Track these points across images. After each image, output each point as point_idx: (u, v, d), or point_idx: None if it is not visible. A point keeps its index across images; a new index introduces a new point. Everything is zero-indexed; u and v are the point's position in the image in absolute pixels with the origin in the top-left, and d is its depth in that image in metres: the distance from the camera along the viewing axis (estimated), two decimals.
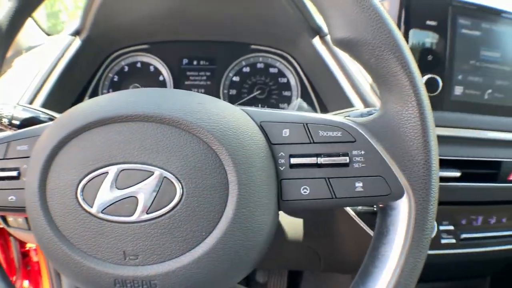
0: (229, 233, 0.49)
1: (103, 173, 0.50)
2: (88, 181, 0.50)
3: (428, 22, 0.99)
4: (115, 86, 1.27)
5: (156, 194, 0.49)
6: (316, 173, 0.53)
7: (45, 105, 1.03)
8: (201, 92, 1.19)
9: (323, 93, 1.21)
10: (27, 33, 1.32)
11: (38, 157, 0.52)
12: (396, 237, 0.53)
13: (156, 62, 1.27)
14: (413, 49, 0.98)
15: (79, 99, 1.23)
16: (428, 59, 0.99)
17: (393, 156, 0.52)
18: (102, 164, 0.50)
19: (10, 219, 1.04)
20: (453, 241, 1.04)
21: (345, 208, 0.90)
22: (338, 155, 0.53)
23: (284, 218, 0.93)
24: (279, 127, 0.54)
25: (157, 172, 0.49)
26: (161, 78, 1.27)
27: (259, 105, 1.25)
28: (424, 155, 0.50)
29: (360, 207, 0.90)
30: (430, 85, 0.97)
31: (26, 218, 0.91)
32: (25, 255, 1.55)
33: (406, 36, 0.98)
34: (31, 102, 1.03)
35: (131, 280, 0.50)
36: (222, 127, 0.50)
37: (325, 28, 1.14)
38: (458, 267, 1.21)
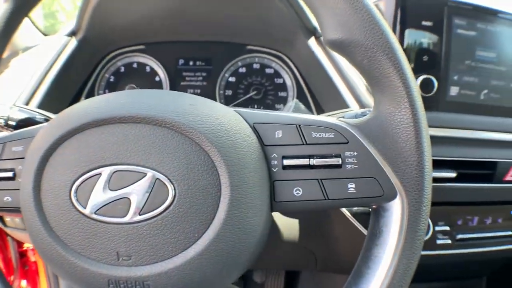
0: (221, 234, 0.49)
1: (97, 174, 0.50)
2: (82, 182, 0.50)
3: (424, 22, 0.99)
4: (111, 87, 1.27)
5: (149, 196, 0.49)
6: (308, 174, 0.53)
7: (42, 105, 1.03)
8: (197, 93, 1.20)
9: (319, 93, 1.21)
10: (24, 33, 1.32)
11: (33, 158, 0.52)
12: (389, 238, 0.53)
13: (152, 63, 1.27)
14: (408, 49, 0.98)
15: (76, 100, 1.23)
16: (423, 60, 0.99)
17: (386, 158, 0.52)
18: (95, 166, 0.50)
19: (7, 219, 1.04)
20: (449, 241, 1.04)
21: (340, 208, 0.90)
22: (330, 156, 0.53)
23: (280, 219, 0.93)
24: (272, 129, 0.54)
25: (150, 173, 0.49)
26: (157, 78, 1.27)
27: (255, 106, 1.25)
28: (417, 156, 0.50)
29: (355, 208, 0.90)
30: (426, 86, 0.97)
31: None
32: (22, 255, 1.55)
33: (401, 36, 0.98)
34: (27, 103, 1.02)
35: (124, 280, 0.50)
36: (214, 129, 0.50)
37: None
38: (454, 267, 1.21)
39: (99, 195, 0.50)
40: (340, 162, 0.52)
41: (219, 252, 0.49)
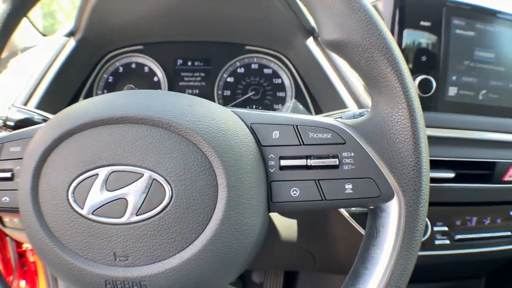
0: (218, 235, 0.49)
1: (94, 175, 0.50)
2: (79, 183, 0.50)
3: (422, 23, 0.99)
4: (109, 87, 1.27)
5: (146, 196, 0.49)
6: (306, 175, 0.53)
7: (40, 106, 1.03)
8: (196, 93, 1.20)
9: (317, 93, 1.21)
10: (23, 33, 1.32)
11: (30, 158, 0.52)
12: (386, 239, 0.53)
13: (150, 63, 1.27)
14: (407, 50, 0.98)
15: (74, 100, 1.23)
16: (422, 60, 0.99)
17: (383, 158, 0.52)
18: (92, 166, 0.50)
19: (6, 219, 1.04)
20: (447, 242, 1.04)
21: (338, 209, 0.90)
22: (328, 157, 0.53)
23: (279, 219, 0.93)
24: (269, 129, 0.54)
25: (147, 174, 0.49)
26: (155, 79, 1.27)
27: (254, 106, 1.25)
28: (414, 157, 0.50)
29: (354, 208, 0.90)
30: (424, 86, 0.97)
31: None
32: (21, 255, 1.55)
33: (400, 36, 0.98)
34: (26, 103, 1.02)
35: (121, 281, 0.50)
36: (211, 129, 0.50)
37: None
38: (452, 267, 1.21)
39: (96, 195, 0.50)
40: (337, 162, 0.52)
41: (216, 253, 0.49)
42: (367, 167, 0.52)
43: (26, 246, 1.52)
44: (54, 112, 0.68)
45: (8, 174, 0.57)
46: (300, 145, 0.53)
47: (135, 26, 1.21)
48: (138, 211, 0.49)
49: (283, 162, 0.53)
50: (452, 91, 1.01)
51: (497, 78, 1.05)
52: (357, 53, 0.50)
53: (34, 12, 1.51)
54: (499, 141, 1.06)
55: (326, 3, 0.50)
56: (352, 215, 0.91)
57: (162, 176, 0.49)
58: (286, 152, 0.53)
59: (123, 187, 0.49)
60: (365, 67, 0.51)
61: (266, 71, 1.27)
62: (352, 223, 0.90)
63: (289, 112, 1.19)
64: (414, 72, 0.98)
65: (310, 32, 1.16)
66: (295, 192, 0.53)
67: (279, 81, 1.26)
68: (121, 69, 1.28)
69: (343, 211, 0.90)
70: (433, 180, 1.00)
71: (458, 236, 1.06)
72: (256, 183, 0.51)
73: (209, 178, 0.49)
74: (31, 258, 1.53)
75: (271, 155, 0.54)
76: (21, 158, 0.56)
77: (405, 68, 0.50)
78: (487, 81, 1.05)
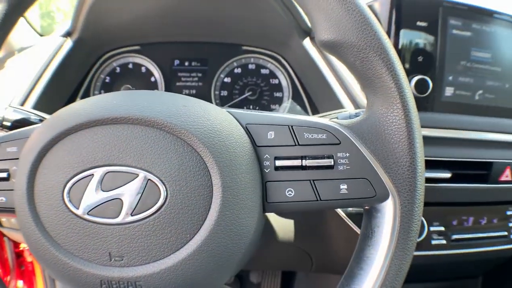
0: (213, 235, 0.49)
1: (89, 175, 0.50)
2: (75, 183, 0.50)
3: (419, 23, 0.99)
4: (106, 87, 1.27)
5: (141, 196, 0.49)
6: (301, 175, 0.53)
7: (37, 106, 1.03)
8: (193, 93, 1.20)
9: (314, 94, 1.21)
10: (20, 34, 1.32)
11: (26, 159, 0.52)
12: (381, 239, 0.53)
13: (147, 63, 1.27)
14: (403, 50, 0.98)
15: (71, 100, 1.23)
16: (418, 60, 0.99)
17: (378, 158, 0.52)
18: (87, 166, 0.50)
19: (3, 219, 1.04)
20: (444, 242, 1.05)
21: (335, 209, 0.90)
22: (323, 157, 0.53)
23: (276, 220, 0.93)
24: (264, 129, 0.54)
25: (142, 174, 0.49)
26: (152, 79, 1.27)
27: (251, 106, 1.25)
28: (409, 157, 0.50)
29: (350, 208, 0.90)
30: (421, 86, 0.97)
31: None
32: (19, 255, 1.55)
33: (396, 36, 0.98)
34: (23, 104, 1.02)
35: (116, 281, 0.50)
36: (206, 130, 0.50)
37: None
38: (449, 267, 1.21)
39: (92, 195, 0.50)
40: (332, 163, 0.52)
41: (211, 253, 0.49)
42: (362, 167, 0.53)
43: (24, 246, 1.52)
44: (51, 112, 0.68)
45: (4, 174, 0.57)
46: (295, 145, 0.53)
47: (132, 26, 1.21)
48: (133, 211, 0.49)
49: (278, 163, 0.53)
50: (449, 91, 1.02)
51: (493, 78, 1.05)
52: (352, 53, 0.50)
53: (32, 12, 1.51)
54: (496, 141, 1.07)
55: (321, 4, 0.50)
56: (349, 215, 0.91)
57: (157, 176, 0.49)
58: (281, 153, 0.53)
59: (118, 188, 0.49)
60: (360, 67, 0.51)
61: (263, 71, 1.27)
62: (349, 223, 0.90)
63: (286, 113, 1.20)
64: (411, 72, 0.98)
65: (307, 32, 1.16)
66: (290, 192, 0.53)
67: (276, 81, 1.26)
68: (118, 70, 1.28)
69: (339, 211, 0.90)
70: (429, 180, 1.00)
71: (454, 236, 1.06)
72: (251, 183, 0.51)
73: (204, 179, 0.49)
74: (28, 258, 1.53)
75: (266, 155, 0.54)
76: (18, 159, 0.56)
77: (400, 68, 0.50)
78: (484, 81, 1.05)
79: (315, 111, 1.22)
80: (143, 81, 1.27)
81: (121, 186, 0.49)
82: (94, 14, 1.11)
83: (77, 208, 0.50)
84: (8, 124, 0.71)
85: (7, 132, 0.61)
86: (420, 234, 1.02)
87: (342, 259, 0.98)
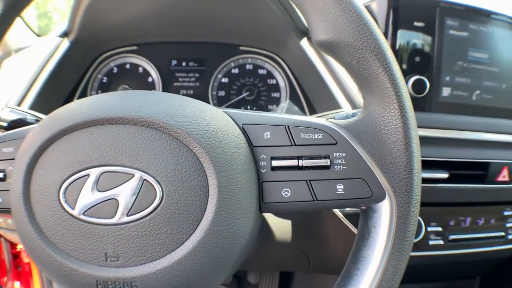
0: (209, 235, 0.49)
1: (85, 175, 0.50)
2: (70, 183, 0.50)
3: (416, 23, 0.99)
4: (104, 88, 1.27)
5: (136, 197, 0.49)
6: (297, 175, 0.53)
7: (34, 106, 1.02)
8: (190, 94, 1.20)
9: (312, 94, 1.21)
10: (17, 34, 1.32)
11: (22, 159, 0.52)
12: (378, 239, 0.53)
13: (145, 64, 1.27)
14: (400, 50, 0.99)
15: (68, 101, 1.22)
16: (415, 60, 0.99)
17: (375, 159, 0.52)
18: (83, 167, 0.50)
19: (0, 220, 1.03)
20: (441, 242, 1.04)
21: (332, 209, 0.90)
22: (319, 157, 0.53)
23: (273, 220, 0.93)
24: (260, 130, 0.54)
25: (137, 174, 0.49)
26: (150, 79, 1.27)
27: (248, 107, 1.25)
28: (406, 157, 0.50)
29: (348, 209, 0.90)
30: (418, 87, 0.97)
31: None
32: (16, 256, 1.54)
33: (394, 37, 0.98)
34: (19, 104, 1.02)
35: (112, 281, 0.50)
36: (202, 130, 0.50)
37: None
38: (446, 268, 1.21)
39: (87, 196, 0.49)
40: (329, 163, 0.52)
41: (207, 253, 0.49)
42: (359, 167, 0.53)
43: (21, 247, 1.52)
44: (48, 112, 0.68)
45: (0, 175, 0.57)
46: (292, 145, 0.53)
47: (129, 27, 1.21)
48: (129, 211, 0.49)
49: (275, 163, 0.53)
50: (446, 91, 1.02)
51: (490, 78, 1.05)
52: (349, 53, 0.50)
53: (29, 13, 1.51)
54: (493, 142, 1.07)
55: (318, 4, 0.50)
56: (346, 215, 0.90)
57: (153, 176, 0.49)
58: (277, 153, 0.53)
59: (114, 188, 0.49)
60: (357, 67, 0.51)
61: (260, 71, 1.27)
62: (346, 224, 0.90)
63: (283, 113, 1.20)
64: (408, 73, 0.99)
65: (304, 32, 1.16)
66: (286, 192, 0.53)
67: (273, 81, 1.26)
68: (115, 70, 1.28)
69: (337, 211, 0.90)
70: (427, 180, 1.00)
71: (452, 237, 1.06)
72: (247, 183, 0.51)
73: (200, 179, 0.49)
74: (25, 259, 1.53)
75: (263, 155, 0.54)
76: (14, 159, 0.56)
77: (396, 68, 0.50)
78: (481, 81, 1.05)
79: (312, 112, 1.22)
80: (141, 82, 1.27)
81: (117, 186, 0.49)
82: (91, 14, 1.11)
83: (73, 209, 0.50)
84: (5, 124, 0.71)
85: (3, 133, 0.61)
86: (418, 235, 1.02)
87: (339, 259, 0.98)
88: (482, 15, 1.04)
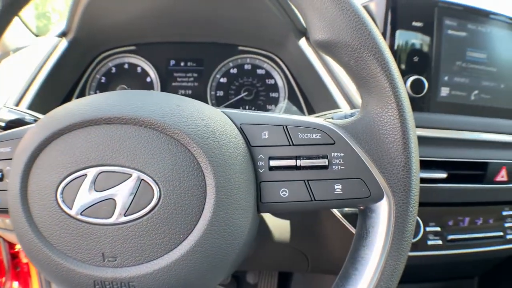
0: (207, 235, 0.49)
1: (82, 175, 0.50)
2: (68, 183, 0.50)
3: (414, 23, 0.99)
4: (102, 87, 1.27)
5: (134, 197, 0.49)
6: (295, 175, 0.53)
7: (32, 106, 1.02)
8: (188, 94, 1.20)
9: (310, 94, 1.21)
10: (15, 34, 1.32)
11: (20, 159, 0.52)
12: (376, 239, 0.53)
13: (143, 64, 1.27)
14: (399, 50, 0.99)
15: (66, 101, 1.22)
16: (414, 60, 0.99)
17: (373, 159, 0.52)
18: (81, 166, 0.50)
19: None
20: (440, 242, 1.05)
21: (330, 209, 0.90)
22: (317, 157, 0.53)
23: (271, 220, 0.93)
24: (258, 129, 0.54)
25: (135, 174, 0.49)
26: (148, 79, 1.27)
27: (247, 107, 1.25)
28: (404, 157, 0.50)
29: (346, 209, 0.90)
30: (416, 86, 0.97)
31: None
32: (14, 256, 1.54)
33: (392, 37, 0.98)
34: (17, 104, 1.02)
35: (110, 281, 0.50)
36: (200, 130, 0.50)
37: None
38: (445, 268, 1.21)
39: (85, 196, 0.49)
40: (327, 163, 0.52)
41: (205, 254, 0.49)
42: (357, 167, 0.52)
43: (19, 247, 1.52)
44: (46, 112, 0.68)
45: None
46: (290, 145, 0.53)
47: (128, 27, 1.21)
48: (126, 211, 0.49)
49: (273, 163, 0.53)
50: (444, 91, 1.02)
51: (489, 78, 1.06)
52: (347, 53, 0.50)
53: (27, 13, 1.51)
54: (491, 142, 1.07)
55: (316, 3, 0.50)
56: (345, 215, 0.90)
57: (151, 176, 0.49)
58: (275, 153, 0.53)
59: (111, 188, 0.49)
60: (355, 67, 0.51)
61: (259, 71, 1.27)
62: (345, 224, 0.90)
63: (282, 113, 1.20)
64: (407, 73, 0.99)
65: (303, 32, 1.16)
66: (284, 192, 0.53)
67: (272, 81, 1.26)
68: (113, 70, 1.27)
69: (335, 211, 0.90)
70: (425, 180, 1.00)
71: (450, 237, 1.06)
72: (245, 183, 0.51)
73: (197, 179, 0.49)
74: (24, 259, 1.53)
75: (261, 155, 0.53)
76: (11, 159, 0.55)
77: (394, 68, 0.50)
78: (479, 81, 1.05)
79: (311, 112, 1.22)
80: (139, 82, 1.27)
81: (115, 186, 0.49)
82: (89, 14, 1.11)
83: (70, 209, 0.50)
84: (3, 124, 0.71)
85: (1, 133, 0.61)
86: (416, 235, 1.02)
87: (338, 259, 0.98)
88: (481, 15, 1.04)
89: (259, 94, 1.25)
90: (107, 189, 0.49)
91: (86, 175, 0.50)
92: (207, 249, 0.49)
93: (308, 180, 0.53)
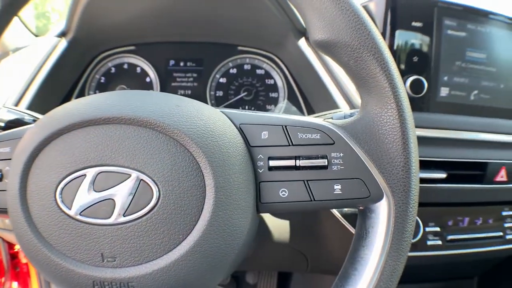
0: (206, 236, 0.49)
1: (81, 175, 0.50)
2: (67, 183, 0.50)
3: (414, 23, 0.99)
4: (101, 88, 1.27)
5: (133, 197, 0.49)
6: (295, 175, 0.53)
7: (31, 106, 1.02)
8: (188, 94, 1.20)
9: (310, 94, 1.21)
10: (15, 34, 1.32)
11: (19, 159, 0.52)
12: (375, 239, 0.53)
13: (142, 64, 1.27)
14: (398, 50, 0.99)
15: (66, 101, 1.22)
16: (413, 60, 0.99)
17: (372, 159, 0.52)
18: (80, 167, 0.50)
19: None
20: (439, 242, 1.05)
21: (330, 209, 0.90)
22: (316, 157, 0.52)
23: (271, 220, 0.93)
24: (258, 129, 0.54)
25: (134, 174, 0.49)
26: (147, 79, 1.27)
27: (246, 107, 1.25)
28: (404, 157, 0.50)
29: (346, 209, 0.90)
30: (416, 87, 0.97)
31: None
32: (14, 256, 1.54)
33: (392, 37, 0.98)
34: (17, 104, 1.02)
35: (109, 282, 0.50)
36: (199, 130, 0.50)
37: None
38: (445, 268, 1.21)
39: (84, 196, 0.49)
40: (326, 163, 0.52)
41: (204, 254, 0.49)
42: (356, 167, 0.52)
43: (18, 247, 1.52)
44: (45, 113, 0.68)
45: None
46: (289, 145, 0.53)
47: (127, 26, 1.21)
48: (125, 212, 0.49)
49: (272, 163, 0.53)
50: (444, 91, 1.02)
51: (488, 78, 1.06)
52: (346, 53, 0.50)
53: (27, 13, 1.51)
54: (491, 142, 1.07)
55: (315, 3, 0.50)
56: (344, 215, 0.90)
57: (150, 176, 0.49)
58: (275, 153, 0.53)
59: (110, 188, 0.49)
60: (354, 67, 0.51)
61: (258, 71, 1.27)
62: (344, 224, 0.90)
63: (281, 113, 1.20)
64: (406, 73, 0.99)
65: (302, 32, 1.16)
66: (283, 192, 0.53)
67: (271, 81, 1.26)
68: (113, 70, 1.27)
69: (335, 211, 0.90)
70: (425, 180, 1.00)
71: (450, 237, 1.06)
72: (244, 183, 0.51)
73: (196, 179, 0.49)
74: (23, 259, 1.53)
75: (260, 155, 0.53)
76: (10, 159, 0.55)
77: (394, 68, 0.50)
78: (479, 81, 1.05)
79: (310, 112, 1.22)
80: (138, 82, 1.27)
81: (114, 187, 0.49)
82: (88, 14, 1.11)
83: (70, 209, 0.50)
84: (2, 124, 0.71)
85: (0, 133, 0.61)
86: (416, 235, 1.02)
87: (337, 259, 0.98)
88: (480, 15, 1.04)
89: (258, 94, 1.25)
90: (106, 189, 0.49)
91: (85, 175, 0.49)
92: (206, 249, 0.49)
93: (307, 180, 0.53)
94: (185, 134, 0.49)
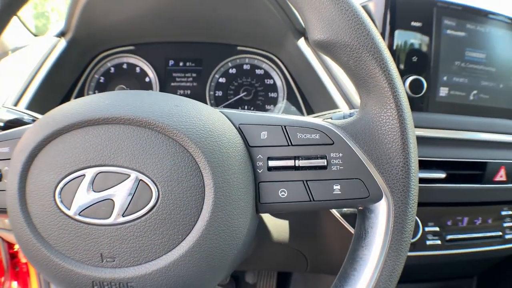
0: (205, 236, 0.48)
1: (81, 176, 0.50)
2: (66, 183, 0.50)
3: (413, 23, 0.99)
4: (101, 88, 1.27)
5: (132, 197, 0.48)
6: (294, 175, 0.53)
7: (31, 106, 1.02)
8: (187, 94, 1.20)
9: (309, 94, 1.21)
10: (14, 34, 1.32)
11: (18, 159, 0.52)
12: (375, 240, 0.52)
13: (142, 64, 1.27)
14: (398, 50, 0.99)
15: (65, 101, 1.22)
16: (413, 60, 0.99)
17: (372, 159, 0.52)
18: (79, 167, 0.50)
19: None
20: (439, 242, 1.05)
21: (329, 210, 0.90)
22: (316, 157, 0.52)
23: (270, 220, 0.93)
24: (257, 130, 0.54)
25: (133, 175, 0.49)
26: (147, 79, 1.27)
27: (245, 107, 1.25)
28: (403, 157, 0.50)
29: (345, 209, 0.90)
30: (415, 87, 0.97)
31: None
32: (13, 256, 1.54)
33: (391, 37, 0.98)
34: (16, 104, 1.02)
35: (108, 282, 0.50)
36: (198, 130, 0.50)
37: None
38: (444, 267, 1.21)
39: (83, 196, 0.49)
40: (326, 163, 0.52)
41: (203, 254, 0.49)
42: (356, 167, 0.52)
43: (18, 247, 1.52)
44: (45, 112, 0.68)
45: None
46: (288, 145, 0.53)
47: (127, 27, 1.21)
48: (124, 212, 0.49)
49: (271, 163, 0.53)
50: (443, 91, 1.02)
51: (488, 78, 1.06)
52: (346, 53, 0.50)
53: (26, 12, 1.51)
54: (490, 141, 1.07)
55: (314, 3, 0.50)
56: (344, 215, 0.90)
57: (149, 177, 0.49)
58: (274, 153, 0.53)
59: (109, 188, 0.49)
60: (354, 67, 0.51)
61: (258, 71, 1.27)
62: (343, 224, 0.90)
63: (281, 113, 1.20)
64: (405, 73, 0.99)
65: (301, 32, 1.16)
66: (283, 193, 0.53)
67: (271, 81, 1.26)
68: (112, 70, 1.27)
69: (334, 211, 0.90)
70: (424, 180, 1.00)
71: (449, 237, 1.06)
72: (243, 184, 0.51)
73: (196, 179, 0.49)
74: (23, 259, 1.53)
75: (259, 155, 0.53)
76: (9, 159, 0.55)
77: (393, 68, 0.50)
78: (478, 81, 1.05)
79: (310, 112, 1.22)
80: (138, 82, 1.27)
81: (113, 187, 0.49)
82: (87, 14, 1.11)
83: (69, 209, 0.49)
84: (1, 124, 0.71)
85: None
86: (415, 235, 1.02)
87: (337, 259, 0.98)
88: (479, 15, 1.04)
89: (258, 94, 1.25)
90: (106, 190, 0.49)
91: (84, 175, 0.49)
92: (205, 249, 0.49)
93: (307, 181, 0.53)
94: (184, 134, 0.49)
